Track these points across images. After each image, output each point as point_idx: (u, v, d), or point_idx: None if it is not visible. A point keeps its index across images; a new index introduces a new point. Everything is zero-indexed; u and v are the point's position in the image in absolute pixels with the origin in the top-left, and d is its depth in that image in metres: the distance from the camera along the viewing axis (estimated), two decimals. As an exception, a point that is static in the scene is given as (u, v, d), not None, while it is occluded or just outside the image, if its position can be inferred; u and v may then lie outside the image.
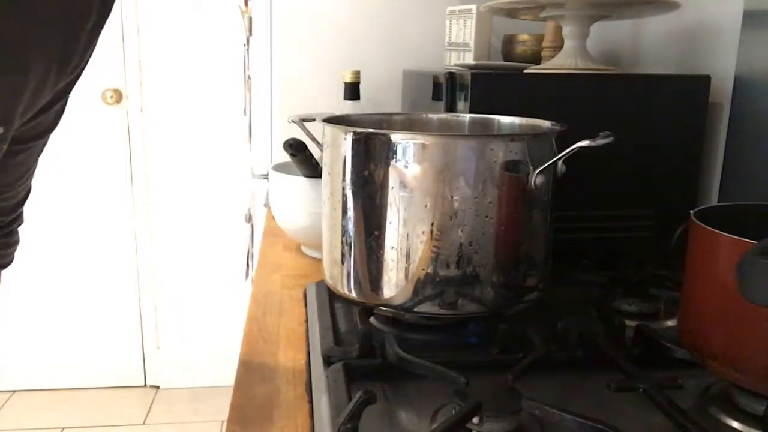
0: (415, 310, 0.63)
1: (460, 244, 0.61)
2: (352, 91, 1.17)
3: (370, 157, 0.62)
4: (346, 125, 0.68)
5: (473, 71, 0.84)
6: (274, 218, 1.00)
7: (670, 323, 0.71)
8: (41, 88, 0.46)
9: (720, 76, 0.89)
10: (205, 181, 2.36)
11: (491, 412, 0.48)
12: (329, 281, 0.71)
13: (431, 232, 0.61)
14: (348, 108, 1.17)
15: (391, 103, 1.29)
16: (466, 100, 0.83)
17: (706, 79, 0.87)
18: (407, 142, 0.60)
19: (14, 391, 2.45)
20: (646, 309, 0.73)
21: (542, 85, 0.85)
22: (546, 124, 0.72)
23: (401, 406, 0.55)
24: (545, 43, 1.08)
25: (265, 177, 1.37)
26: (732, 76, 0.85)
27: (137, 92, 2.26)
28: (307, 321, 0.74)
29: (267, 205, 1.26)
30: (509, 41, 1.18)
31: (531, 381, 0.55)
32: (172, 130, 2.31)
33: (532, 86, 0.84)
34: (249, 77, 1.74)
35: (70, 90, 0.52)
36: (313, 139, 0.83)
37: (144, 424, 2.27)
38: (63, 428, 2.23)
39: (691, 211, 0.54)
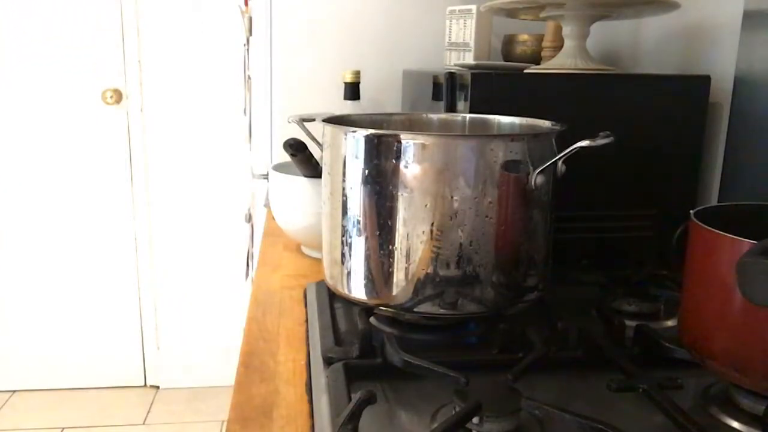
0: (415, 310, 0.63)
1: (460, 244, 0.61)
2: (352, 91, 1.17)
3: (370, 157, 0.62)
4: (346, 125, 0.68)
5: (473, 71, 0.84)
6: (274, 218, 1.00)
7: (670, 323, 0.71)
8: None
9: (720, 76, 0.89)
10: (205, 181, 2.36)
11: (491, 412, 0.48)
12: (329, 281, 0.71)
13: (431, 232, 0.61)
14: (348, 108, 1.17)
15: (391, 103, 1.29)
16: (466, 100, 0.83)
17: (706, 79, 0.87)
18: (407, 142, 0.60)
19: (14, 391, 2.45)
20: (646, 309, 0.73)
21: (542, 85, 0.85)
22: (546, 124, 0.72)
23: (401, 406, 0.55)
24: (545, 43, 1.08)
25: (265, 177, 1.37)
26: (732, 76, 0.85)
27: (137, 92, 2.26)
28: (307, 321, 0.74)
29: (267, 205, 1.26)
30: (509, 41, 1.18)
31: (531, 381, 0.55)
32: (172, 130, 2.31)
33: (532, 86, 0.84)
34: (249, 77, 1.73)
35: None
36: (313, 139, 0.83)
37: (144, 424, 2.27)
38: (63, 428, 2.23)
39: (691, 211, 0.54)
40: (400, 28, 1.29)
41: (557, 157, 0.62)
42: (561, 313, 0.66)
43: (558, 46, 1.01)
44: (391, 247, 0.62)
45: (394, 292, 0.63)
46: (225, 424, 2.03)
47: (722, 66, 0.89)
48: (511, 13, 0.99)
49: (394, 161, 0.61)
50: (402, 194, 0.61)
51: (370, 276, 0.64)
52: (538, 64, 1.00)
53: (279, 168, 1.00)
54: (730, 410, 0.53)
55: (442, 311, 0.63)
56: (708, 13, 0.93)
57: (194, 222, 2.40)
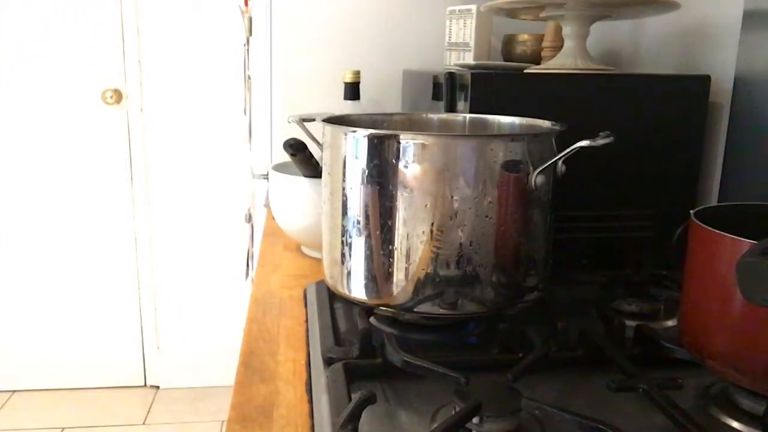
0: (415, 310, 0.63)
1: (460, 244, 0.61)
2: (352, 91, 1.17)
3: (371, 157, 0.62)
4: (346, 125, 0.68)
5: (473, 71, 0.84)
6: (274, 218, 1.00)
7: (670, 323, 0.71)
8: None
9: (720, 76, 0.89)
10: (205, 181, 2.36)
11: (491, 412, 0.48)
12: (329, 281, 0.71)
13: (431, 232, 0.61)
14: (348, 108, 1.17)
15: (391, 103, 1.29)
16: (466, 100, 0.83)
17: (706, 79, 0.87)
18: (407, 142, 0.60)
19: (14, 391, 2.45)
20: (646, 309, 0.73)
21: (542, 85, 0.85)
22: (546, 124, 0.72)
23: (401, 406, 0.55)
24: (545, 43, 1.08)
25: (265, 177, 1.37)
26: (732, 76, 0.85)
27: (137, 92, 2.26)
28: (307, 321, 0.74)
29: (267, 205, 1.26)
30: (509, 41, 1.18)
31: (531, 381, 0.55)
32: (172, 130, 2.31)
33: (532, 86, 0.84)
34: (249, 77, 1.73)
35: None
36: (313, 139, 0.83)
37: (144, 424, 2.27)
38: (63, 428, 2.23)
39: (691, 211, 0.54)
40: (400, 28, 1.29)
41: (557, 157, 0.62)
42: (561, 313, 0.66)
43: (558, 46, 1.01)
44: (391, 247, 0.62)
45: (394, 292, 0.63)
46: (225, 424, 2.03)
47: (722, 66, 0.89)
48: (511, 13, 0.99)
49: (394, 161, 0.61)
50: (402, 194, 0.61)
51: (370, 276, 0.64)
52: (538, 64, 1.00)
53: (279, 168, 1.00)
54: (730, 410, 0.53)
55: (442, 311, 0.63)
56: (708, 13, 0.93)
57: (194, 222, 2.40)
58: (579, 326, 0.63)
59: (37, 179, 2.29)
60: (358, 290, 0.66)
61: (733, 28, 0.86)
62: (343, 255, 0.66)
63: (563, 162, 0.63)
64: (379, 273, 0.64)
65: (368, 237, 0.64)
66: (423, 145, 0.60)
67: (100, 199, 2.33)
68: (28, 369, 2.44)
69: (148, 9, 2.20)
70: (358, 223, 0.64)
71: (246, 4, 1.69)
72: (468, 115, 0.81)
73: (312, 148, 0.87)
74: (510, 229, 0.62)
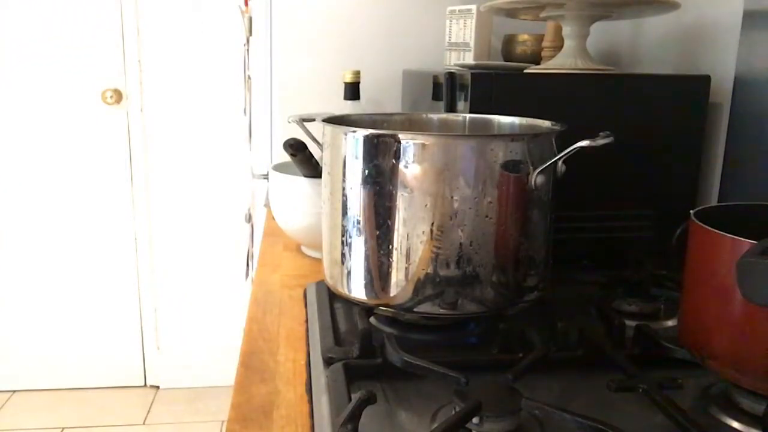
0: (415, 310, 0.63)
1: (460, 244, 0.61)
2: (352, 91, 1.17)
3: (370, 157, 0.62)
4: (346, 125, 0.68)
5: (473, 71, 0.84)
6: (274, 218, 1.00)
7: (670, 323, 0.71)
8: None
9: (720, 76, 0.89)
10: (205, 181, 2.36)
11: (491, 412, 0.48)
12: (329, 281, 0.71)
13: (431, 232, 0.61)
14: (348, 108, 1.17)
15: (391, 103, 1.29)
16: (466, 100, 0.83)
17: (706, 79, 0.87)
18: (407, 142, 0.60)
19: (14, 391, 2.45)
20: (646, 309, 0.73)
21: (542, 85, 0.85)
22: (546, 124, 0.72)
23: (401, 406, 0.55)
24: (545, 43, 1.08)
25: (265, 177, 1.37)
26: (732, 76, 0.85)
27: (137, 92, 2.26)
28: (307, 321, 0.74)
29: (267, 205, 1.26)
30: (509, 41, 1.18)
31: (531, 381, 0.55)
32: (172, 130, 2.31)
33: (532, 86, 0.84)
34: (249, 77, 1.73)
35: None
36: (313, 139, 0.83)
37: (144, 424, 2.27)
38: (63, 428, 2.23)
39: (691, 211, 0.54)
40: (400, 28, 1.29)
41: (557, 157, 0.62)
42: (561, 313, 0.66)
43: (558, 46, 1.01)
44: (391, 247, 0.62)
45: (394, 292, 0.63)
46: (225, 424, 2.04)
47: (722, 66, 0.89)
48: (511, 13, 0.99)
49: (394, 161, 0.61)
50: (402, 194, 0.61)
51: (370, 276, 0.64)
52: (538, 64, 1.00)
53: (279, 168, 1.00)
54: (730, 410, 0.53)
55: (442, 311, 0.63)
56: (708, 13, 0.93)
57: (194, 222, 2.40)
58: (579, 326, 0.63)
59: (37, 179, 2.29)
60: (358, 290, 0.66)
61: (733, 28, 0.86)
62: (343, 255, 0.66)
63: (563, 162, 0.63)
64: (379, 273, 0.64)
65: (368, 237, 0.64)
66: (423, 145, 0.60)
67: (100, 199, 2.33)
68: (28, 369, 2.44)
69: (148, 9, 2.20)
70: (358, 223, 0.64)
71: (246, 4, 1.69)
72: (468, 115, 0.81)
73: (312, 148, 0.87)
74: (510, 229, 0.62)
